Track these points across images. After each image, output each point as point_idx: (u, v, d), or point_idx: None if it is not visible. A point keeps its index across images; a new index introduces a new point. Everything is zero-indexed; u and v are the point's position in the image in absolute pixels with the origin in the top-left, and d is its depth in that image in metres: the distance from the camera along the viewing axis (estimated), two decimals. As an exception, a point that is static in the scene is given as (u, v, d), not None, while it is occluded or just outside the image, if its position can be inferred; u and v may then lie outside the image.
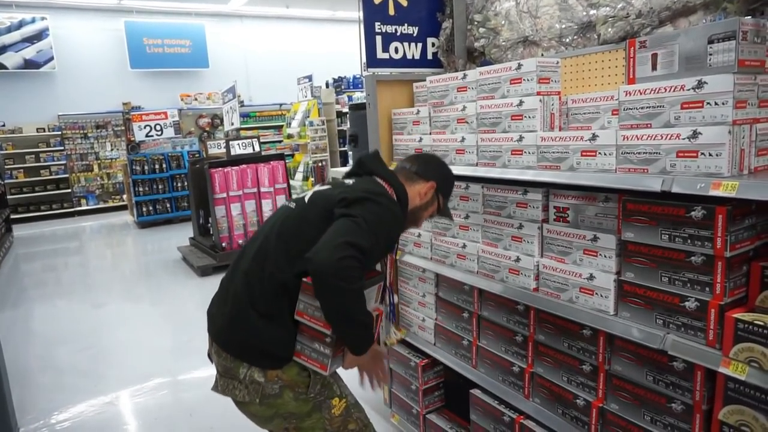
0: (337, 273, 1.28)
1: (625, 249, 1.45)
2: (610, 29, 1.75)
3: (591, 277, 1.54)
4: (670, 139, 1.28)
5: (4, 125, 11.11)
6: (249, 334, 1.47)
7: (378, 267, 1.68)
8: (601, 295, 1.51)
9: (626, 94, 1.39)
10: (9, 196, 10.48)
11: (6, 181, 10.52)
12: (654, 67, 1.35)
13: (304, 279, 1.41)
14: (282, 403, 1.49)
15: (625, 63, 1.69)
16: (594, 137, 1.47)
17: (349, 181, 1.60)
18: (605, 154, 1.45)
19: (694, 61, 1.28)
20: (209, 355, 1.65)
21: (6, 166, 10.94)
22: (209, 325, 1.62)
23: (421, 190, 1.67)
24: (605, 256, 1.51)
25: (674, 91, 1.28)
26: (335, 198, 1.48)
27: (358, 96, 8.29)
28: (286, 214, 1.55)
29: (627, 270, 1.45)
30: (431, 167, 1.72)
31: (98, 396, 3.38)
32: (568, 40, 2.07)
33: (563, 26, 2.06)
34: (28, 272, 7.08)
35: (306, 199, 1.56)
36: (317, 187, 1.61)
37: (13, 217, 10.23)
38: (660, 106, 1.32)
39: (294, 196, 1.60)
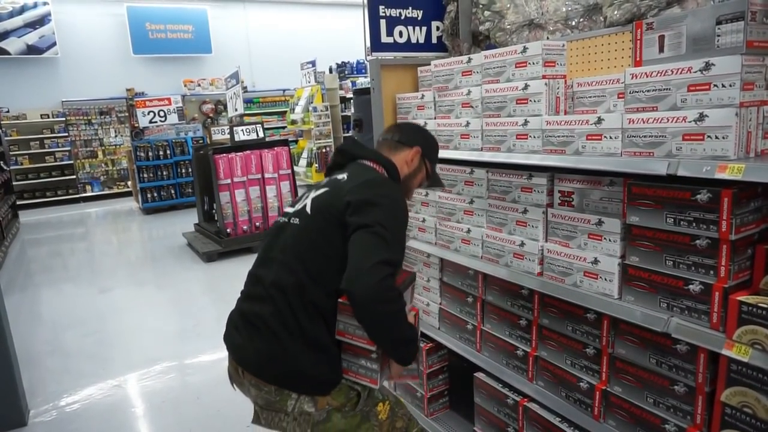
0: (380, 298, 1.25)
1: (629, 233, 1.44)
2: (616, 11, 1.73)
3: (595, 261, 1.54)
4: (676, 122, 1.27)
5: (8, 111, 11.12)
6: (292, 363, 1.38)
7: None
8: (606, 279, 1.52)
9: (632, 77, 1.38)
10: (14, 183, 10.52)
11: (11, 167, 10.55)
12: (661, 49, 1.34)
13: (340, 300, 1.37)
14: (331, 425, 1.43)
15: (631, 45, 1.67)
16: (599, 121, 1.46)
17: (341, 176, 1.52)
18: (611, 138, 1.44)
19: (701, 42, 1.27)
20: (232, 382, 1.55)
21: (11, 153, 10.97)
22: (236, 356, 1.48)
23: (407, 157, 1.64)
24: (610, 240, 1.51)
25: (681, 73, 1.27)
26: (340, 203, 1.40)
27: (362, 81, 8.25)
28: (294, 232, 1.46)
29: (631, 254, 1.45)
30: (413, 133, 1.70)
31: (106, 379, 3.43)
32: (574, 22, 2.04)
33: (569, 9, 2.04)
34: (34, 258, 7.13)
35: (307, 209, 1.47)
36: (313, 193, 1.52)
37: (18, 203, 10.28)
38: (666, 89, 1.31)
39: (289, 208, 1.55)
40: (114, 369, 3.58)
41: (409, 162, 1.65)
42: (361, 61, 10.50)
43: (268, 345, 1.40)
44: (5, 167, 9.18)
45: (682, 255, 1.32)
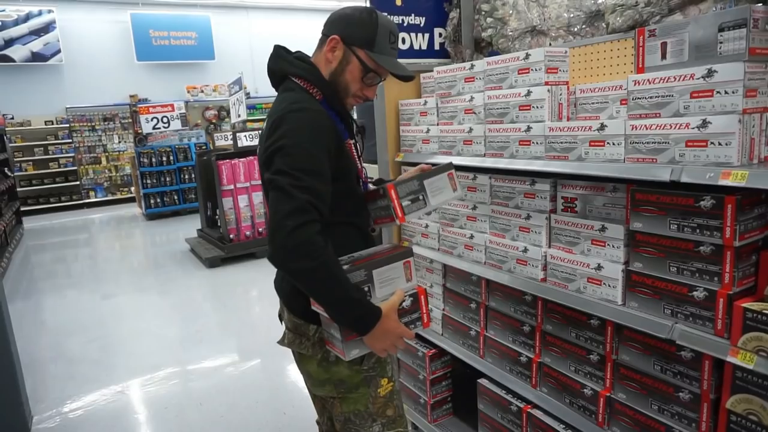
0: (288, 257, 1.19)
1: (633, 239, 1.44)
2: (618, 18, 1.74)
3: (599, 267, 1.54)
4: (679, 128, 1.27)
5: (12, 118, 11.19)
6: (307, 302, 1.41)
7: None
8: (609, 285, 1.51)
9: (635, 84, 1.38)
10: (19, 189, 10.57)
11: (15, 173, 10.60)
12: (663, 56, 1.34)
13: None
14: (336, 370, 1.48)
15: (634, 52, 1.68)
16: (602, 127, 1.46)
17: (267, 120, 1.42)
18: (614, 144, 1.44)
19: (704, 49, 1.27)
20: (279, 315, 1.68)
21: (15, 159, 11.03)
22: (276, 287, 1.63)
23: (326, 53, 1.41)
24: (613, 246, 1.51)
25: (684, 80, 1.27)
26: (260, 159, 1.38)
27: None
28: None
29: (635, 260, 1.44)
30: (334, 21, 1.44)
31: (109, 385, 3.43)
32: (576, 29, 2.05)
33: (571, 15, 2.05)
34: (38, 263, 7.15)
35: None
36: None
37: (22, 209, 10.32)
38: (669, 96, 1.31)
39: None
40: (117, 375, 3.58)
41: (328, 58, 1.42)
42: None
43: (290, 284, 1.51)
44: (9, 174, 9.23)
45: (686, 261, 1.32)
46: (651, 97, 1.35)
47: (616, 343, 1.55)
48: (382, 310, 1.34)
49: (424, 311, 1.50)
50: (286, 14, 13.68)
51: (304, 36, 13.97)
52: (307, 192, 1.22)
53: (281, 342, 1.61)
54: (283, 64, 1.47)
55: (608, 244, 1.53)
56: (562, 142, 1.60)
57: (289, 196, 1.21)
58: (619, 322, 1.49)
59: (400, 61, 1.53)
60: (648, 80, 1.35)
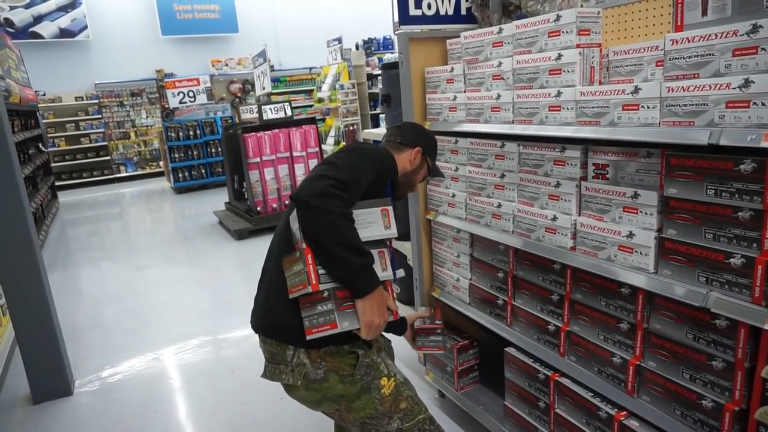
0: (317, 194, 1.33)
1: (667, 205, 1.40)
2: (656, -25, 1.65)
3: (630, 235, 1.51)
4: (719, 89, 1.22)
5: (44, 94, 11.41)
6: (283, 314, 1.48)
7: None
8: (641, 253, 1.48)
9: (672, 43, 1.32)
10: (52, 164, 10.85)
11: (49, 149, 10.87)
12: (704, 13, 1.28)
13: (283, 258, 1.46)
14: (328, 387, 1.50)
15: (671, 11, 1.60)
16: (636, 90, 1.41)
17: None
18: (648, 108, 1.39)
19: (748, 3, 1.20)
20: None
21: (48, 135, 11.29)
22: (252, 319, 1.64)
23: (410, 157, 1.76)
24: (646, 213, 1.48)
25: (725, 37, 1.21)
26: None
27: (389, 57, 8.14)
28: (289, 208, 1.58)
29: (669, 227, 1.41)
30: (414, 134, 1.82)
31: (144, 353, 3.56)
32: (610, -12, 1.96)
33: (605, -26, 1.96)
34: (74, 236, 7.38)
35: None
36: None
37: (56, 183, 10.61)
38: (709, 54, 1.25)
39: None
40: (151, 343, 3.71)
41: (411, 161, 1.76)
42: (388, 37, 10.35)
43: (267, 299, 1.58)
44: (44, 149, 9.47)
45: (723, 228, 1.28)
46: (689, 57, 1.29)
47: (647, 311, 1.52)
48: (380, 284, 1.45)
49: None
50: (308, -16, 13.49)
51: (327, 6, 13.77)
52: (349, 175, 1.41)
53: (264, 375, 1.61)
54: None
55: (641, 211, 1.49)
56: (593, 107, 1.55)
57: (336, 169, 1.40)
58: (651, 290, 1.46)
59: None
60: (687, 39, 1.29)
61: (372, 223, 1.48)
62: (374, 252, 1.47)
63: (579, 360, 1.78)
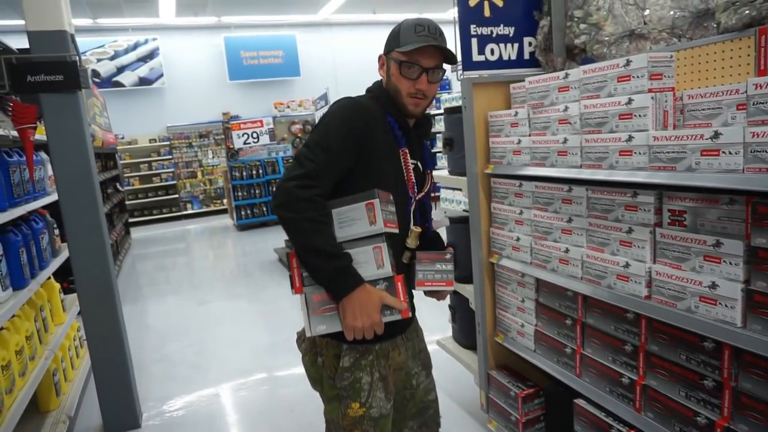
0: (282, 203, 1.35)
1: (755, 255, 1.33)
2: (732, 16, 1.61)
3: (713, 286, 1.43)
4: (810, 134, 1.16)
5: (123, 137, 12.27)
6: None
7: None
8: (726, 306, 1.40)
9: (756, 87, 1.28)
10: (127, 202, 11.54)
11: (125, 188, 11.59)
12: (790, 57, 1.23)
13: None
14: (319, 378, 1.60)
15: (750, 53, 1.55)
16: (716, 135, 1.36)
17: None
18: (730, 153, 1.34)
19: (840, 47, 1.15)
20: None
21: (124, 175, 12.07)
22: None
23: (379, 71, 1.63)
24: (730, 263, 1.40)
25: (816, 81, 1.16)
26: None
27: (446, 98, 8.25)
28: None
29: (758, 278, 1.33)
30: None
31: (206, 388, 3.63)
32: (680, 31, 1.93)
33: (676, 16, 1.93)
34: (143, 271, 7.75)
35: None
36: None
37: (129, 220, 11.25)
38: (798, 99, 1.20)
39: None
40: (213, 378, 3.79)
41: (381, 74, 1.63)
42: (446, 78, 10.54)
43: None
44: (121, 189, 10.11)
45: (821, 281, 1.19)
46: (775, 102, 1.24)
47: (734, 368, 1.42)
48: (365, 284, 1.38)
49: (402, 299, 1.41)
50: (367, 29, 13.99)
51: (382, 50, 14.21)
52: (313, 163, 1.38)
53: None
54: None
55: (724, 261, 1.41)
56: (668, 152, 1.51)
57: (300, 165, 1.39)
58: (738, 346, 1.37)
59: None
60: (772, 83, 1.24)
61: (356, 219, 1.39)
62: (368, 248, 1.39)
63: (657, 417, 1.67)
